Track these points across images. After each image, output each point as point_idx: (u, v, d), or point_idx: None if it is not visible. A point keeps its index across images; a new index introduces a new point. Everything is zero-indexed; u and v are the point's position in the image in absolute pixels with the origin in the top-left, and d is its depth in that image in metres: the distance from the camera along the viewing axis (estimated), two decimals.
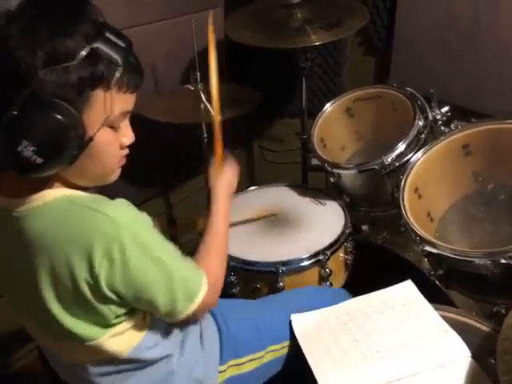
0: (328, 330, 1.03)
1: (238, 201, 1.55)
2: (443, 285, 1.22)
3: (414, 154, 1.33)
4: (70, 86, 0.64)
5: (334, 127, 1.63)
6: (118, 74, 0.68)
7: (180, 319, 0.82)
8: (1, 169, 0.72)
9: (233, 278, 1.29)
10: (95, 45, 0.65)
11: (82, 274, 0.69)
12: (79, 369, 0.83)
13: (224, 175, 1.03)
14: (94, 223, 0.69)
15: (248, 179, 2.41)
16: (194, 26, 1.47)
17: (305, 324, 1.06)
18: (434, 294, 1.11)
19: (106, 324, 0.77)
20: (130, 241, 0.70)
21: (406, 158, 1.36)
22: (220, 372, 0.98)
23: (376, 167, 1.38)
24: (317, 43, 1.47)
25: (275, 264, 1.25)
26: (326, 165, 1.48)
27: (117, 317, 0.77)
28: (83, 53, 0.64)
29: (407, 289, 1.10)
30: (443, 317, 1.00)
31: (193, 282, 0.82)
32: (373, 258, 1.49)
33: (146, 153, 1.34)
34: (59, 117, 0.63)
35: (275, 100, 2.07)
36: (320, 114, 1.62)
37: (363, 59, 2.04)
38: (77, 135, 0.66)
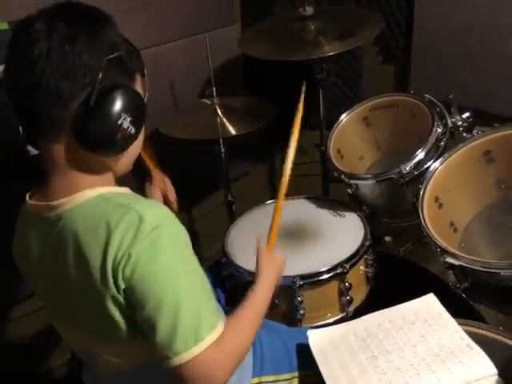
0: (346, 347, 0.99)
1: (258, 214, 1.54)
2: (470, 298, 1.17)
3: (433, 162, 1.29)
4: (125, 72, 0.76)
5: (352, 137, 1.61)
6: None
7: (172, 365, 0.70)
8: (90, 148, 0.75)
9: None
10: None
11: (109, 268, 0.70)
12: (119, 378, 0.83)
13: (277, 258, 1.06)
14: (121, 218, 0.70)
15: (270, 192, 2.40)
16: (208, 42, 1.50)
17: (321, 340, 1.02)
18: (460, 308, 1.07)
19: (134, 327, 0.75)
20: (155, 244, 0.70)
21: (425, 167, 1.32)
22: None
23: (394, 176, 1.35)
24: (330, 53, 1.46)
25: (292, 278, 1.22)
26: (343, 176, 1.46)
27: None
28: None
29: (429, 302, 1.05)
30: (468, 332, 0.95)
31: (205, 320, 0.72)
32: (395, 270, 1.44)
33: (167, 168, 1.36)
34: (137, 92, 0.75)
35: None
36: (336, 125, 1.60)
37: (382, 68, 2.02)
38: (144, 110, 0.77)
